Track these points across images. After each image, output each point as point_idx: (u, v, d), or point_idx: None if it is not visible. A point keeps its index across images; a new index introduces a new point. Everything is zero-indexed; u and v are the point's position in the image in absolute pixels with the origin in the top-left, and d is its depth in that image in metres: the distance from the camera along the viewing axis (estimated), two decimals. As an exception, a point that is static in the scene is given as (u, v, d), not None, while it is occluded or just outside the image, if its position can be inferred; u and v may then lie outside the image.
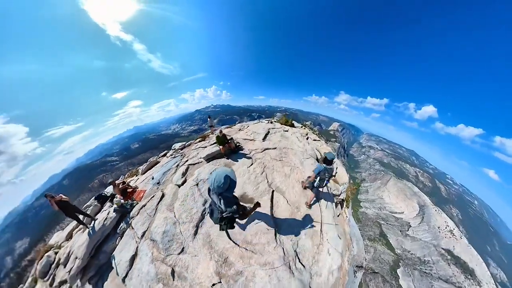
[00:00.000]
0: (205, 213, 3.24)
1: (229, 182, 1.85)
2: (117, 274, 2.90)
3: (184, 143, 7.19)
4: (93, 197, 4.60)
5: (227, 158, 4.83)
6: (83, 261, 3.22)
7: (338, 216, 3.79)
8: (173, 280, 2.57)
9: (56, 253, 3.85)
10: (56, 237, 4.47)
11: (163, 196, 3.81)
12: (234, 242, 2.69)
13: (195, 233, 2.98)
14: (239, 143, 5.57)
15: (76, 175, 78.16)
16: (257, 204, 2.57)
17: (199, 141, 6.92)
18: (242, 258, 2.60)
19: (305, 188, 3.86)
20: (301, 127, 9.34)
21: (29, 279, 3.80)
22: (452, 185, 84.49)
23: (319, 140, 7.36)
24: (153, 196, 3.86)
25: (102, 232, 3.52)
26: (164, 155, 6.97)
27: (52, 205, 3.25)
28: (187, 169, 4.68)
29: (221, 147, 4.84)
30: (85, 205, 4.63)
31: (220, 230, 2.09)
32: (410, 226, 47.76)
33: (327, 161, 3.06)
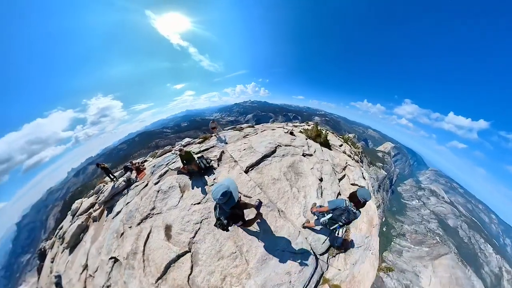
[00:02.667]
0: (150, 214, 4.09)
1: (228, 199, 1.95)
2: (111, 215, 4.95)
3: (191, 140, 7.85)
4: (123, 167, 7.08)
5: (190, 179, 4.34)
6: (106, 198, 5.59)
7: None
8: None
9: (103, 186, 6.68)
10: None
11: (146, 185, 5.31)
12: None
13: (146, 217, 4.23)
14: (209, 161, 4.67)
15: (143, 136, 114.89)
16: (258, 215, 2.85)
17: (199, 142, 6.66)
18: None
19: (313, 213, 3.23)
20: (340, 145, 6.59)
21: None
22: None
23: (357, 162, 5.79)
24: (144, 182, 5.78)
25: (115, 189, 5.75)
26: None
27: (100, 168, 5.78)
28: (165, 172, 5.17)
29: (181, 166, 4.43)
30: (137, 160, 7.39)
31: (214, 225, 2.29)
32: None
33: (356, 199, 2.21)
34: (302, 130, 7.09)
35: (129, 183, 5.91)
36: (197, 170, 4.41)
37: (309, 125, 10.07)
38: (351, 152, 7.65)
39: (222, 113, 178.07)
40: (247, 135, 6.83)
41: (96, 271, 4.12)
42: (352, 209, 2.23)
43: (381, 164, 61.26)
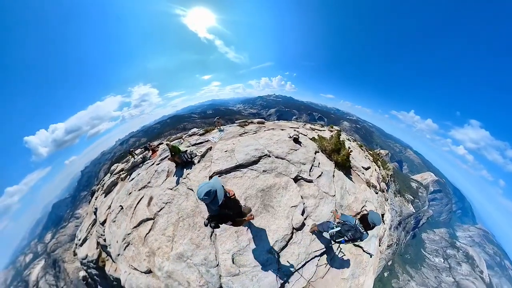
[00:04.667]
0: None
1: (212, 198, 1.93)
2: (129, 179, 7.19)
3: (197, 130, 8.77)
4: (143, 146, 9.45)
5: (175, 167, 5.00)
6: (128, 167, 7.96)
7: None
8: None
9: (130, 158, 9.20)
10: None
11: (153, 164, 7.41)
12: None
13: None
14: (193, 156, 5.00)
15: (174, 119, 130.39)
16: (250, 217, 2.80)
17: (200, 134, 7.26)
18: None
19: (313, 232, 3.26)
20: (367, 167, 5.03)
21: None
22: None
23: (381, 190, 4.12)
24: (153, 161, 7.82)
25: (134, 163, 8.05)
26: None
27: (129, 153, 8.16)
28: (165, 157, 6.40)
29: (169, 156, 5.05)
30: (155, 142, 9.64)
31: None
32: None
33: (365, 222, 2.25)
34: (316, 137, 5.36)
35: (144, 160, 8.10)
36: (179, 163, 5.17)
37: (331, 131, 8.38)
38: (378, 179, 5.64)
39: (245, 105, 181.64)
40: (245, 133, 6.64)
41: (112, 211, 6.40)
42: (360, 228, 2.25)
43: (411, 198, 46.75)
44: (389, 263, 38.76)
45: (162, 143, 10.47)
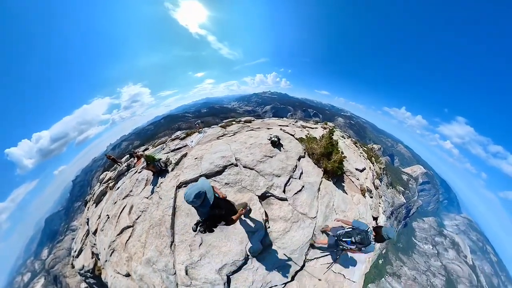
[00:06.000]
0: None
1: (202, 200, 1.86)
2: (115, 189, 7.50)
3: (180, 133, 8.80)
4: (128, 153, 9.62)
5: (152, 175, 5.17)
6: (114, 176, 8.25)
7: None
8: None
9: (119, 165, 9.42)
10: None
11: (136, 171, 7.73)
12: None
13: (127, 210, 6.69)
14: (168, 164, 5.05)
15: (168, 119, 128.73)
16: (241, 212, 2.61)
17: (181, 138, 7.18)
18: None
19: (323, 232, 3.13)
20: (362, 169, 4.84)
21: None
22: None
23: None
24: (137, 168, 8.06)
25: (120, 171, 8.30)
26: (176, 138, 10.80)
27: (109, 159, 8.31)
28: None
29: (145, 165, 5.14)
30: (141, 148, 9.94)
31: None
32: None
33: (378, 235, 2.27)
34: (304, 137, 4.79)
35: (128, 167, 8.34)
36: (154, 171, 5.38)
37: (325, 128, 7.99)
38: (373, 179, 5.38)
39: (240, 102, 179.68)
40: (223, 135, 6.48)
41: (101, 220, 6.78)
42: (371, 236, 2.28)
43: (402, 189, 50.54)
44: (383, 251, 42.91)
45: (148, 148, 10.63)
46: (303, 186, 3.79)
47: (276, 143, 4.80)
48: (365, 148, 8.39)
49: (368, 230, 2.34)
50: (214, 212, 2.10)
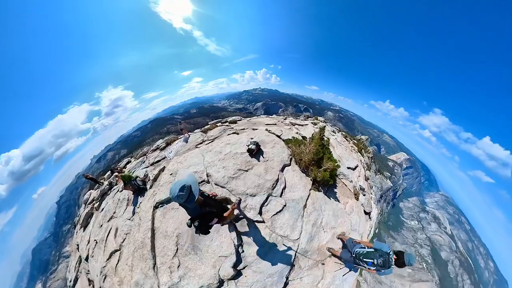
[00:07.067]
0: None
1: (188, 195, 1.76)
2: (100, 210, 7.22)
3: (160, 143, 8.12)
4: (110, 169, 9.16)
5: (133, 194, 4.98)
6: (97, 196, 7.89)
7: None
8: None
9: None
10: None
11: (118, 190, 7.39)
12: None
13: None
14: (146, 181, 4.85)
15: (155, 123, 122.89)
16: (233, 207, 2.44)
17: (161, 149, 6.82)
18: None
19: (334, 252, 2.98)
20: (354, 167, 4.67)
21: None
22: None
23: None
24: (119, 186, 7.71)
25: (103, 191, 7.94)
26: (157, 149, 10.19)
27: (87, 179, 7.82)
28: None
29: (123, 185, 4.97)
30: (122, 162, 9.41)
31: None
32: None
33: (400, 259, 2.23)
34: (291, 139, 4.35)
35: (111, 186, 7.98)
36: (133, 191, 5.22)
37: (315, 124, 7.71)
38: (365, 173, 5.08)
39: (230, 100, 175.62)
40: (203, 142, 6.14)
41: (91, 245, 6.62)
42: (392, 259, 2.22)
43: (389, 174, 57.45)
44: (376, 231, 47.98)
45: (130, 161, 10.13)
46: (284, 205, 3.44)
47: (254, 152, 4.20)
48: (355, 141, 8.46)
49: (390, 253, 2.27)
50: (205, 210, 2.06)
